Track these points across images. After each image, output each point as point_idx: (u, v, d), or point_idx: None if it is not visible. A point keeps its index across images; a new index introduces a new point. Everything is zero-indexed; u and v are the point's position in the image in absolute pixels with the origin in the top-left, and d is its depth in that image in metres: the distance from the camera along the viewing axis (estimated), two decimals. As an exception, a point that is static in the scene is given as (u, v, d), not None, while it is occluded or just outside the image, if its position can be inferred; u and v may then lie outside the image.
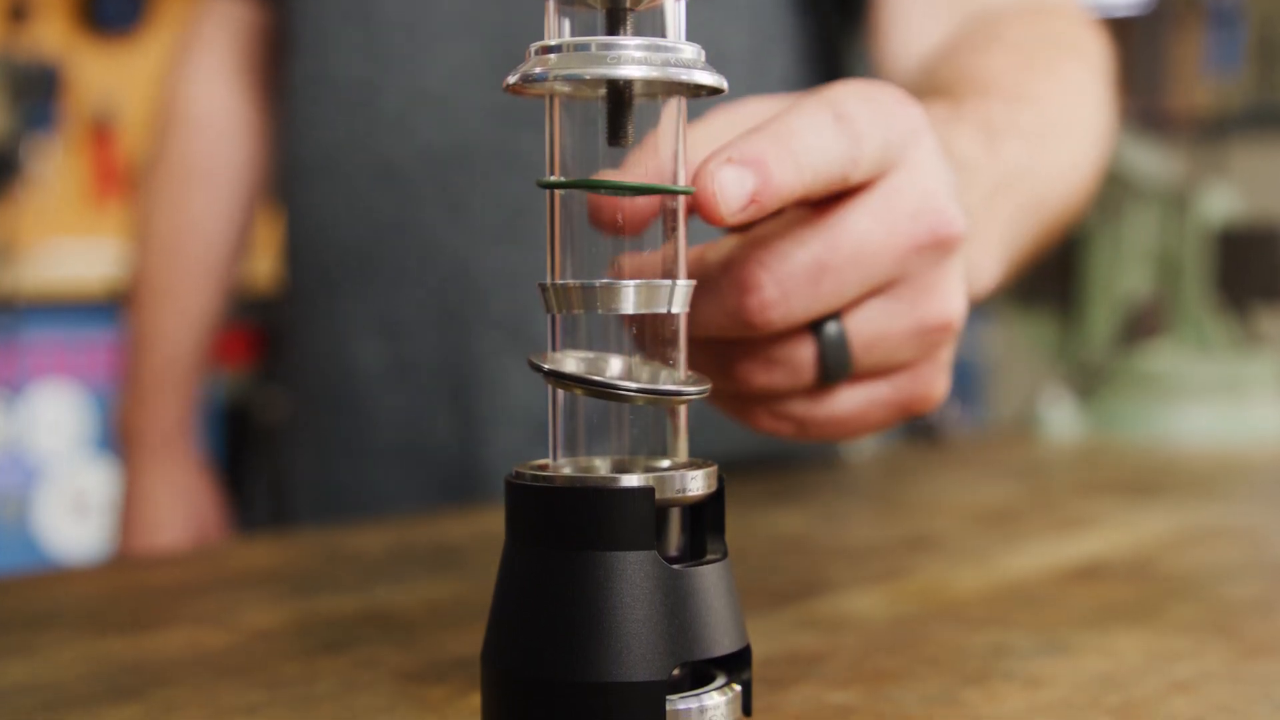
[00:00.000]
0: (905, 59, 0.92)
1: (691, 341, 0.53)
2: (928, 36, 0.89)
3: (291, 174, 1.13)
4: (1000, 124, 0.63)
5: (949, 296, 0.53)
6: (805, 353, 0.52)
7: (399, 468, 1.07)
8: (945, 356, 0.56)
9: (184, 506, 1.21)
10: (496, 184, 1.02)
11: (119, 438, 1.24)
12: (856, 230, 0.50)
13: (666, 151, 0.45)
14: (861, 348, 0.52)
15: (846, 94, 0.50)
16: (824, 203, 0.51)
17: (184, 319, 1.22)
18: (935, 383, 0.56)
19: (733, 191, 0.45)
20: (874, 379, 0.55)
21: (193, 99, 1.22)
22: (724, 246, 0.52)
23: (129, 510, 1.21)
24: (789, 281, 0.49)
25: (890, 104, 0.51)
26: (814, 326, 0.52)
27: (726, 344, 0.53)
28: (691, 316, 0.51)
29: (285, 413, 1.19)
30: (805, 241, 0.50)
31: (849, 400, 0.55)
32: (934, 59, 0.82)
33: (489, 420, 1.03)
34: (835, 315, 0.52)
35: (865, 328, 0.52)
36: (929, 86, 0.74)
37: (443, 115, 1.03)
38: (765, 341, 0.52)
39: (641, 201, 0.48)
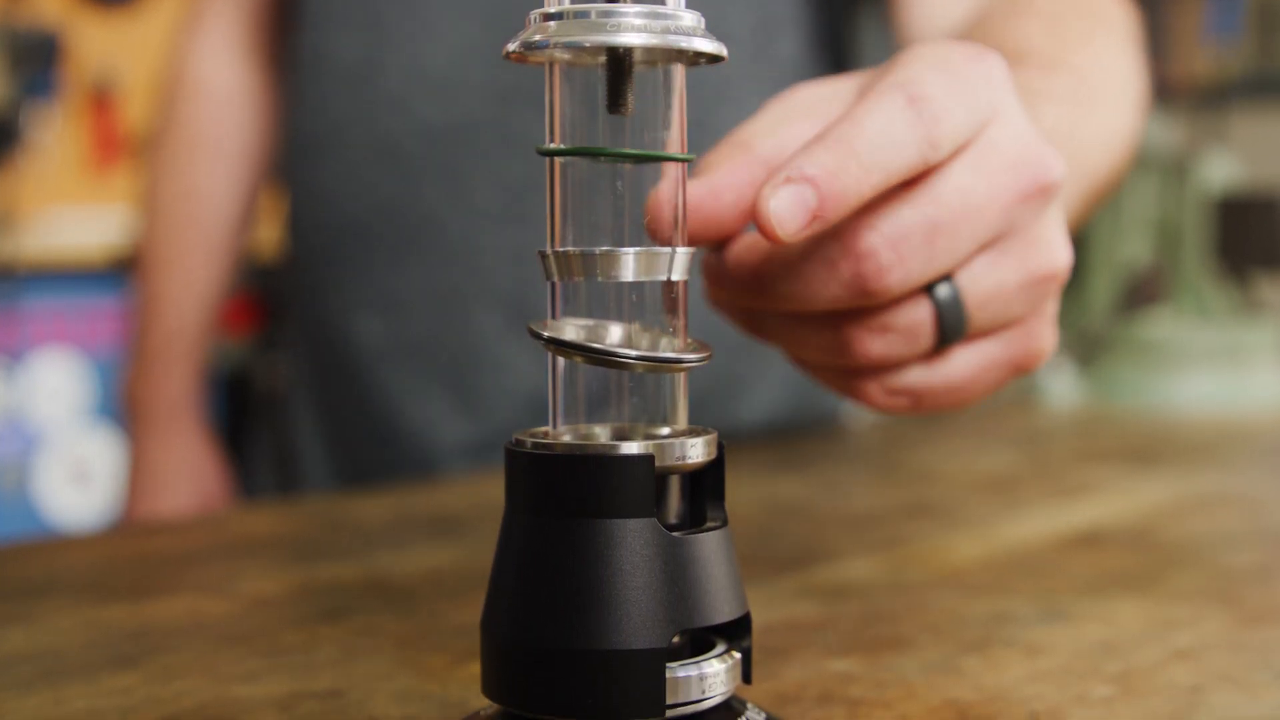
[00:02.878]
0: (929, 36, 0.91)
1: (801, 319, 0.52)
2: (952, 11, 0.88)
3: (294, 149, 1.13)
4: (1039, 90, 0.62)
5: (1055, 245, 0.53)
6: (922, 316, 0.51)
7: (397, 445, 1.07)
8: (1052, 309, 0.55)
9: (189, 477, 1.21)
10: (497, 163, 1.02)
11: (124, 407, 1.24)
12: (961, 187, 0.49)
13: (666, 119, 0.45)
14: (975, 306, 0.52)
15: (921, 69, 0.49)
16: None
17: (190, 289, 1.22)
18: (1044, 336, 0.55)
19: (789, 214, 0.44)
20: (985, 338, 0.54)
21: (200, 70, 1.22)
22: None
23: (134, 480, 1.21)
24: (903, 244, 0.49)
25: (966, 65, 0.50)
26: (926, 289, 0.51)
27: (837, 317, 0.52)
28: (803, 292, 0.50)
29: (287, 381, 1.19)
30: (914, 202, 0.49)
31: (963, 363, 0.54)
32: (962, 29, 0.81)
33: (488, 399, 1.03)
34: (946, 276, 0.51)
35: (978, 285, 0.51)
36: None
37: (443, 94, 1.03)
38: (879, 309, 0.51)
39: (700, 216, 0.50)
